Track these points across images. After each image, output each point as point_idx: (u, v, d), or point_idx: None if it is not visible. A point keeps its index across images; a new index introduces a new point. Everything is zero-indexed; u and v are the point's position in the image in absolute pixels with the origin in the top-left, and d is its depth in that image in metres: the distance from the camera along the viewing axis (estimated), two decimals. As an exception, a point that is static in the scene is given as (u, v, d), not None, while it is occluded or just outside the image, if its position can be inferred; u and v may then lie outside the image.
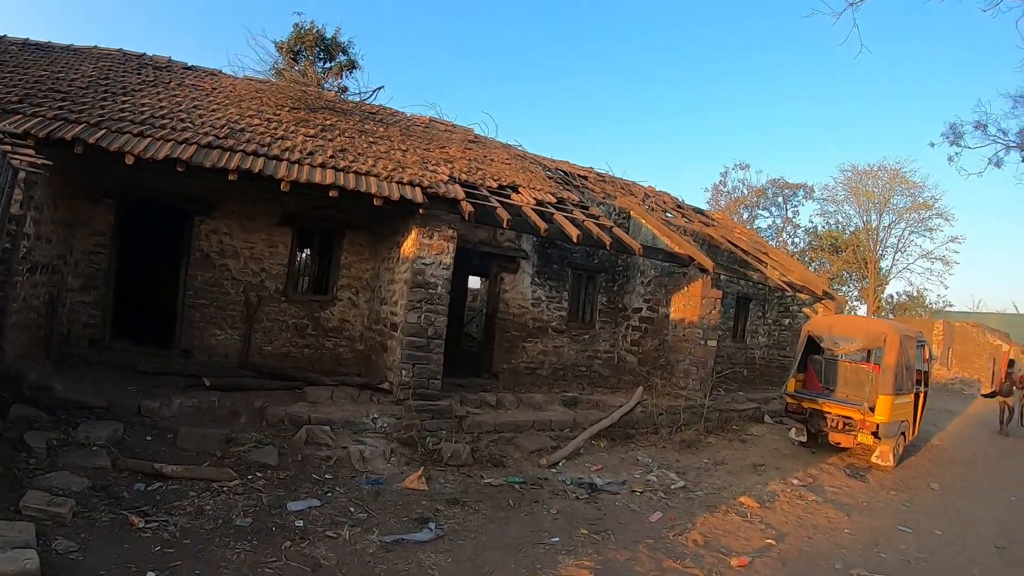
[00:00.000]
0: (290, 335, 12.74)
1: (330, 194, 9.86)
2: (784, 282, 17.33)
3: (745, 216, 48.64)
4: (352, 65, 27.82)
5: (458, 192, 11.22)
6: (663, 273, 15.73)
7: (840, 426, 12.34)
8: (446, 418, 10.57)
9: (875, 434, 11.75)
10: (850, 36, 23.46)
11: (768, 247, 22.71)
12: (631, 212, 16.45)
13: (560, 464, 10.11)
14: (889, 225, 47.60)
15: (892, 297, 51.94)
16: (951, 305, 54.03)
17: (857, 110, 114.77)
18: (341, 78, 27.61)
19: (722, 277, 18.17)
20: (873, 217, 47.55)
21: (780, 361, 20.45)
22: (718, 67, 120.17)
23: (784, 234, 50.26)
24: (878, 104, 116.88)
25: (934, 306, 51.84)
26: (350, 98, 17.21)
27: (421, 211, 10.52)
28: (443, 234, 10.92)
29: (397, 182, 10.72)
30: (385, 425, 9.94)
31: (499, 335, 14.68)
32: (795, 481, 10.52)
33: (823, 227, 50.39)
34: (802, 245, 50.14)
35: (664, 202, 19.82)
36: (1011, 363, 20.16)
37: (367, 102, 16.94)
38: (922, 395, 13.79)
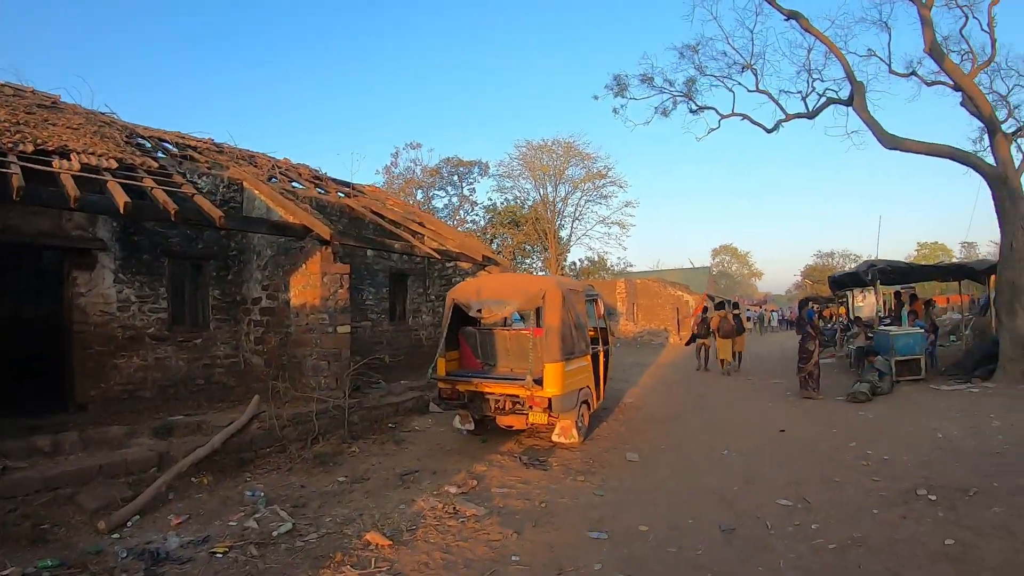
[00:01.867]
0: None
1: None
2: (434, 249, 15.43)
3: (420, 197, 47.61)
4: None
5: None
6: (279, 251, 13.08)
7: (508, 407, 10.47)
8: (-33, 482, 7.27)
9: (550, 410, 10.04)
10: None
11: (425, 217, 20.85)
12: (244, 183, 13.76)
13: (131, 523, 7.22)
14: (566, 196, 49.41)
15: (575, 264, 53.73)
16: (632, 266, 57.73)
17: (526, 82, 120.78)
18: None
19: (369, 252, 16.31)
20: (550, 189, 48.92)
21: (450, 339, 18.57)
22: (370, 46, 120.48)
23: (462, 212, 49.93)
24: (547, 72, 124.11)
25: (616, 268, 54.68)
26: None
27: None
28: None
29: None
30: None
31: (79, 353, 11.35)
32: (453, 489, 8.27)
33: (502, 203, 50.84)
34: (482, 223, 50.10)
35: (300, 174, 17.38)
36: (704, 310, 23.59)
37: None
38: (602, 355, 12.34)
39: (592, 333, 12.21)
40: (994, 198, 15.83)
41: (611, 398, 14.38)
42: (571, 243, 51.18)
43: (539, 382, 9.92)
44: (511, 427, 10.84)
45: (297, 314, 12.36)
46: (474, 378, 10.83)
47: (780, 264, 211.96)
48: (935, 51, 16.40)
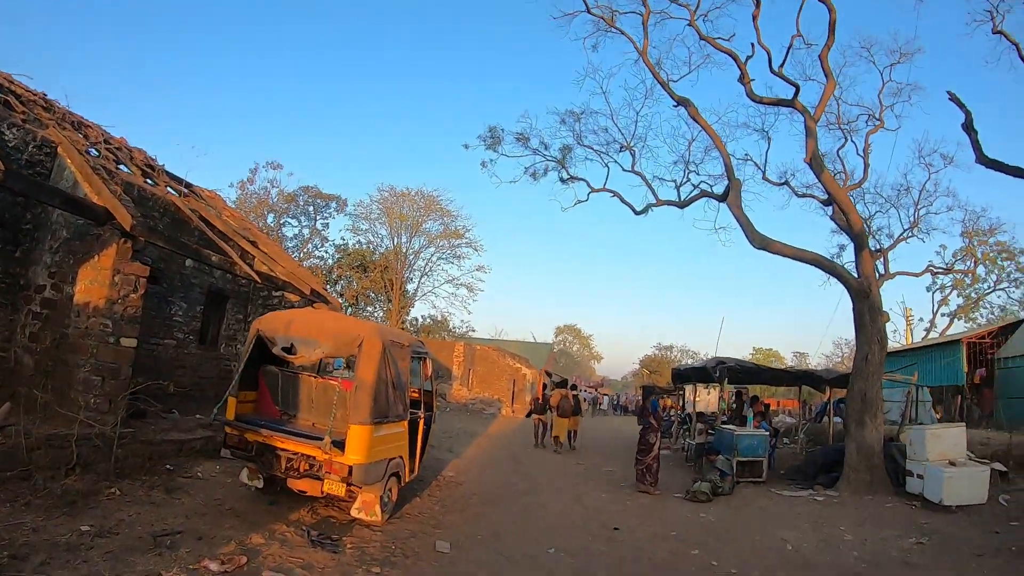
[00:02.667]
0: None
1: None
2: (258, 272, 13.58)
3: (272, 221, 45.16)
4: None
5: None
6: (76, 235, 10.89)
7: (302, 468, 8.58)
8: None
9: (349, 480, 8.27)
10: None
11: (261, 237, 18.73)
12: (59, 147, 11.55)
13: None
14: (419, 249, 48.30)
15: (417, 320, 52.35)
16: (474, 330, 56.75)
17: (401, 127, 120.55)
18: None
19: (188, 262, 14.35)
20: (404, 239, 47.61)
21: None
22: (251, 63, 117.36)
23: (311, 245, 47.76)
24: (423, 121, 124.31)
25: (458, 330, 53.61)
26: None
27: None
28: None
29: None
30: None
31: None
32: (214, 566, 6.33)
33: (354, 244, 49.05)
34: (331, 261, 48.16)
35: (132, 157, 15.10)
36: (545, 386, 24.59)
37: None
38: (422, 422, 10.60)
39: (415, 395, 10.69)
40: (855, 310, 15.59)
41: (429, 469, 12.93)
42: (416, 298, 49.92)
43: (340, 445, 8.24)
44: (304, 492, 8.87)
45: (79, 314, 10.11)
46: (265, 428, 8.86)
47: (620, 350, 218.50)
48: (816, 161, 16.13)
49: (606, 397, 62.03)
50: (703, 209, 29.74)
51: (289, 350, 8.83)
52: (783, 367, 24.55)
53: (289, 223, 47.74)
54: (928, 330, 47.08)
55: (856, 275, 16.05)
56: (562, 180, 21.73)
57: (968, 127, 11.80)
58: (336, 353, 9.40)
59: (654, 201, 20.22)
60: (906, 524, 11.51)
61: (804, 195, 20.98)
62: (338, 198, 48.60)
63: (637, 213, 20.57)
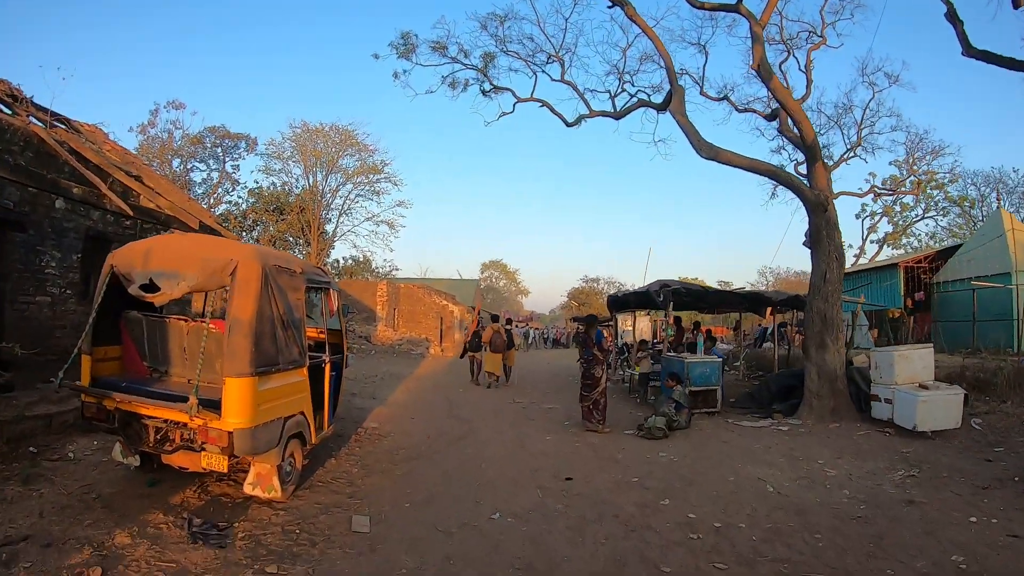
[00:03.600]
0: None
1: None
2: (135, 207, 11.62)
3: (178, 167, 42.22)
4: None
5: None
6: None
7: (177, 439, 6.58)
8: None
9: (231, 451, 6.36)
10: None
11: (146, 171, 16.61)
12: None
13: None
14: (336, 187, 46.18)
15: (338, 262, 50.41)
16: (398, 269, 55.39)
17: (310, 55, 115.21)
18: None
19: (58, 203, 12.21)
20: (320, 178, 45.38)
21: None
22: None
23: (221, 190, 44.96)
24: (333, 47, 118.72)
25: (381, 270, 51.99)
26: None
27: None
28: None
29: None
30: None
31: None
32: None
33: (268, 187, 46.54)
34: (244, 206, 45.66)
35: (-12, 87, 12.94)
36: (480, 322, 23.02)
37: None
38: (327, 367, 8.70)
39: (317, 335, 8.88)
40: (811, 225, 14.43)
41: (348, 421, 11.45)
42: (336, 238, 47.89)
43: (214, 405, 6.36)
44: (185, 468, 7.02)
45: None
46: (123, 392, 6.80)
47: (547, 284, 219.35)
48: (764, 68, 14.75)
49: (533, 331, 61.35)
50: (640, 122, 28.78)
51: (148, 287, 6.75)
52: (731, 290, 23.64)
53: (197, 167, 44.88)
54: (858, 256, 47.78)
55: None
56: (484, 92, 20.12)
57: (952, 17, 10.60)
58: (204, 285, 7.04)
59: (587, 112, 19.02)
60: (888, 454, 10.52)
61: (745, 110, 20.15)
62: (247, 137, 45.77)
63: (569, 125, 19.46)
